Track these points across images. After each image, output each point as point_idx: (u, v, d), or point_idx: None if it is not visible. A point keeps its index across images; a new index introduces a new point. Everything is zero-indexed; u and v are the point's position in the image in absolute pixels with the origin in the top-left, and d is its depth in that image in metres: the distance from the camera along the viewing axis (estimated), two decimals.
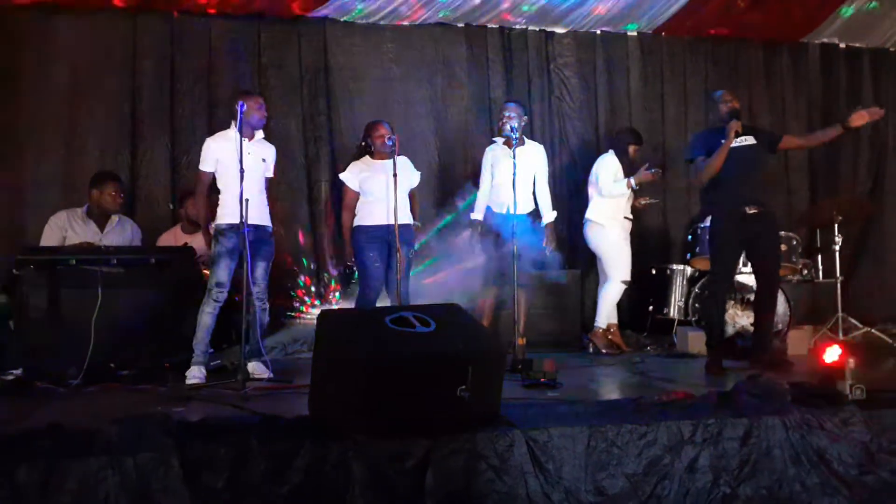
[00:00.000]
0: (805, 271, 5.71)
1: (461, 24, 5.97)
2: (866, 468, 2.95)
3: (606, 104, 6.28)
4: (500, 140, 4.86)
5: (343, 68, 5.76)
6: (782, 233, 5.37)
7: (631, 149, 5.30)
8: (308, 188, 5.63)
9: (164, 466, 2.43)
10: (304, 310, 5.36)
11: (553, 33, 6.20)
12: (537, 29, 6.15)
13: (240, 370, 3.67)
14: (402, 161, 4.44)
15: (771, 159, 4.67)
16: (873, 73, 6.80)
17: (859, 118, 4.15)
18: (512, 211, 4.44)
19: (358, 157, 4.60)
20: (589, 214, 5.26)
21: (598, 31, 6.26)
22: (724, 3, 5.97)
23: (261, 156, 4.15)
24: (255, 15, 5.57)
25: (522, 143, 4.74)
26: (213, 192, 4.17)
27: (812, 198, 6.57)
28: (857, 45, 6.74)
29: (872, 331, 5.59)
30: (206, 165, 4.12)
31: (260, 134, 4.22)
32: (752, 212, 4.31)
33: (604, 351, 5.16)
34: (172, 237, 5.11)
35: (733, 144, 4.29)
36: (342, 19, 5.73)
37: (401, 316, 2.84)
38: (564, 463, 2.71)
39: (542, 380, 3.69)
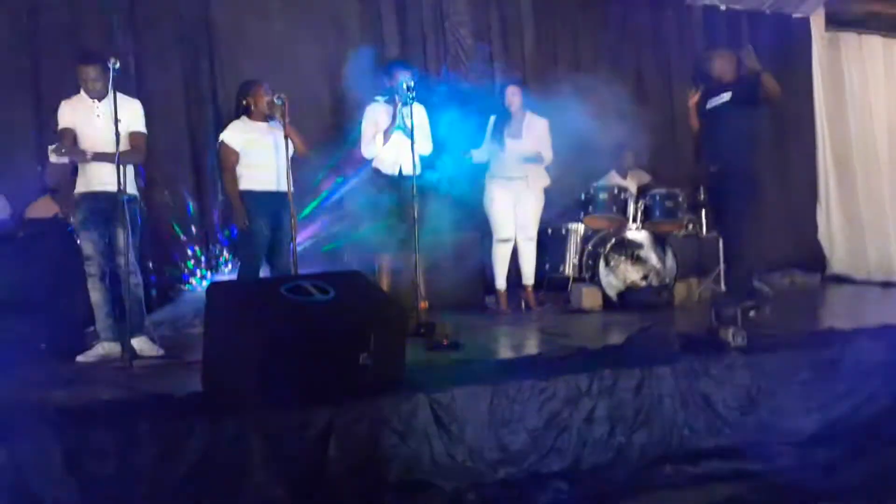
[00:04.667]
0: (690, 226, 6.00)
1: None
2: (747, 409, 3.15)
3: (502, 65, 6.27)
4: (381, 99, 4.79)
5: (226, 26, 5.41)
6: (664, 189, 5.60)
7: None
8: (192, 153, 5.30)
9: (44, 456, 2.26)
10: (194, 282, 5.11)
11: None
12: None
13: (125, 349, 3.46)
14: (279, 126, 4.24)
15: (757, 110, 4.56)
16: (751, 33, 7.12)
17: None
18: (405, 172, 4.40)
19: (236, 116, 4.37)
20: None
21: None
22: None
23: (114, 117, 3.80)
24: None
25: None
26: None
27: (697, 156, 6.86)
28: (736, 7, 7.04)
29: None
30: (61, 126, 3.87)
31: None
32: (713, 170, 4.54)
33: (502, 310, 5.23)
34: (44, 207, 4.73)
35: (710, 105, 4.55)
36: None
37: (297, 285, 2.75)
38: (468, 423, 2.74)
39: (445, 342, 3.70)
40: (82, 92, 3.87)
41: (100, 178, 3.78)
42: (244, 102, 4.32)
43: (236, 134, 4.29)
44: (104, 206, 3.76)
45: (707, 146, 4.63)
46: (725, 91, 4.52)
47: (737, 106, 4.47)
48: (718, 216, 4.71)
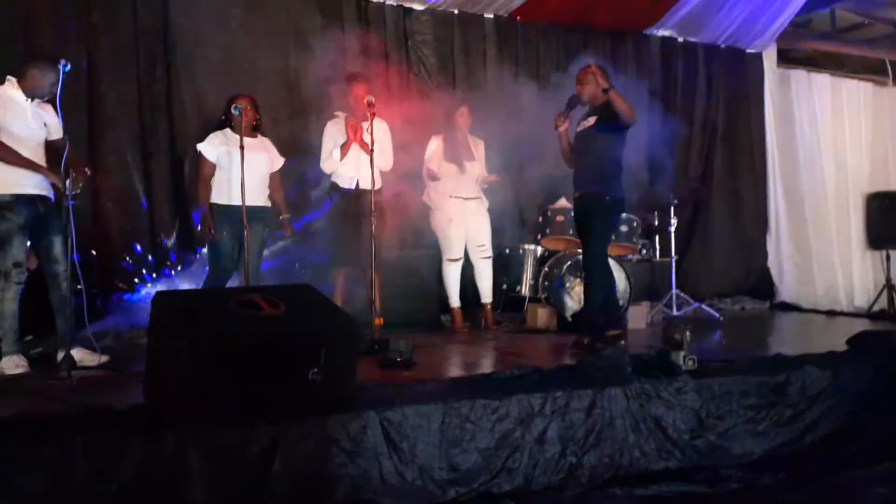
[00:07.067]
0: (644, 251, 6.08)
1: None
2: (697, 432, 3.17)
3: (464, 85, 6.30)
4: (341, 115, 4.80)
5: (185, 33, 5.31)
6: (624, 215, 5.67)
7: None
8: (143, 161, 5.17)
9: None
10: (141, 291, 4.95)
11: (411, 10, 6.12)
12: (395, 3, 6.04)
13: (64, 359, 3.32)
14: (267, 142, 4.49)
15: (619, 134, 4.25)
16: (706, 66, 7.33)
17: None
18: (362, 186, 4.40)
19: (219, 128, 4.42)
20: (424, 197, 5.31)
21: (456, 11, 6.26)
22: None
23: (42, 119, 3.74)
24: None
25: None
26: None
27: (650, 182, 6.98)
28: (693, 39, 7.23)
29: (702, 306, 6.08)
30: None
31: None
32: (576, 195, 4.34)
33: (457, 328, 5.21)
34: None
35: (578, 130, 4.34)
36: None
37: (247, 297, 2.68)
38: (419, 441, 2.69)
39: (398, 359, 3.65)
40: (16, 87, 3.66)
41: (34, 182, 3.63)
42: (223, 116, 4.40)
43: (212, 146, 4.35)
44: (42, 212, 3.64)
45: (576, 172, 4.35)
46: (593, 115, 4.30)
47: (600, 130, 4.23)
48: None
